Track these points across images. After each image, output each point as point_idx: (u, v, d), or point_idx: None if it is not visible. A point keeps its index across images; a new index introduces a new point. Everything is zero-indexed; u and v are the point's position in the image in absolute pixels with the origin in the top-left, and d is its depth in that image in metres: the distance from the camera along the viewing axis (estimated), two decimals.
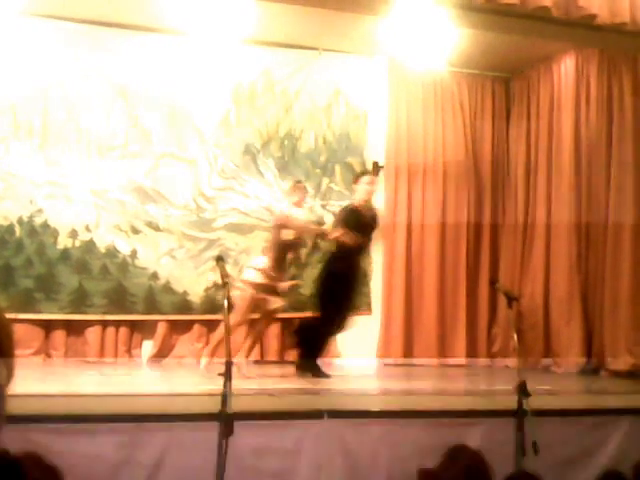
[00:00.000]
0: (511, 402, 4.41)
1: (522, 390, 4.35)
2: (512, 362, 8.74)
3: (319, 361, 7.27)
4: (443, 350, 9.17)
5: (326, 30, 8.39)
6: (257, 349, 8.68)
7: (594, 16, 8.08)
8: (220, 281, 4.23)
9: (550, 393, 6.14)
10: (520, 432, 4.31)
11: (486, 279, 9.33)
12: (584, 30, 8.34)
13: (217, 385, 3.85)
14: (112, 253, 8.29)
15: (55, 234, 8.12)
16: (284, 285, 7.20)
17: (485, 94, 9.74)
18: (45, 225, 8.09)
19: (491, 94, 9.76)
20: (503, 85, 9.84)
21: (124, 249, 8.34)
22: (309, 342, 7.33)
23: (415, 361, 8.98)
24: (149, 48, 8.43)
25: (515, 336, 5.91)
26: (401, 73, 8.92)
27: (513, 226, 9.40)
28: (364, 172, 8.04)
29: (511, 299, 4.96)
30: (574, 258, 8.55)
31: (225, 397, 3.78)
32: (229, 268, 6.90)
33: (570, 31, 8.39)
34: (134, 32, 8.34)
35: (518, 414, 4.34)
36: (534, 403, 4.34)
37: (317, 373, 7.07)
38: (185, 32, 7.49)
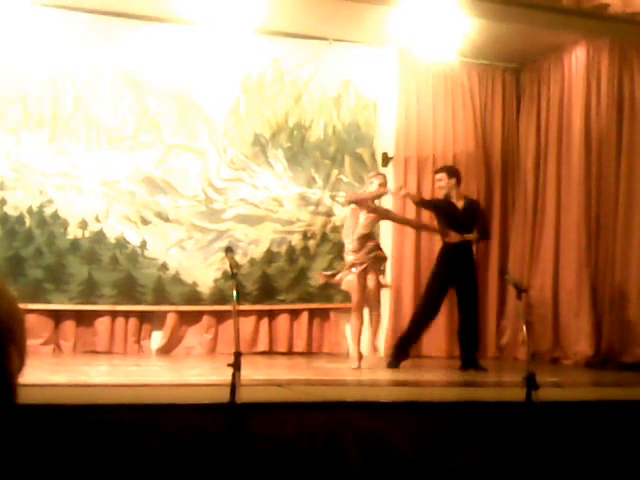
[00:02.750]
0: (520, 394, 4.40)
1: (531, 382, 4.34)
2: (521, 354, 8.75)
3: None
4: (452, 342, 9.16)
5: (336, 20, 8.37)
6: (267, 340, 8.72)
7: (606, 6, 8.07)
8: (229, 272, 4.22)
9: (559, 385, 6.14)
10: (528, 423, 4.31)
11: (495, 270, 9.32)
12: (595, 20, 8.32)
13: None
14: (122, 244, 8.31)
15: (65, 224, 8.14)
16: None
17: (495, 84, 9.71)
18: (55, 215, 8.11)
19: (501, 84, 9.73)
20: (513, 75, 9.80)
21: (134, 240, 8.35)
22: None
23: (424, 353, 8.97)
24: (158, 38, 8.42)
25: (524, 328, 5.89)
26: (411, 63, 8.90)
27: (522, 217, 9.38)
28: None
29: (520, 290, 4.93)
30: (583, 250, 8.52)
31: (234, 388, 3.79)
32: (238, 259, 6.95)
33: (581, 21, 8.37)
34: (143, 22, 8.34)
35: (527, 406, 4.34)
36: (543, 395, 4.34)
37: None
38: (194, 22, 7.49)
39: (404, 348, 7.55)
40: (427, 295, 7.68)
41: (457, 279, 7.54)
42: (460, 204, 7.66)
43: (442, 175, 7.75)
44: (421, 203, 8.17)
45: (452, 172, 7.78)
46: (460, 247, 7.55)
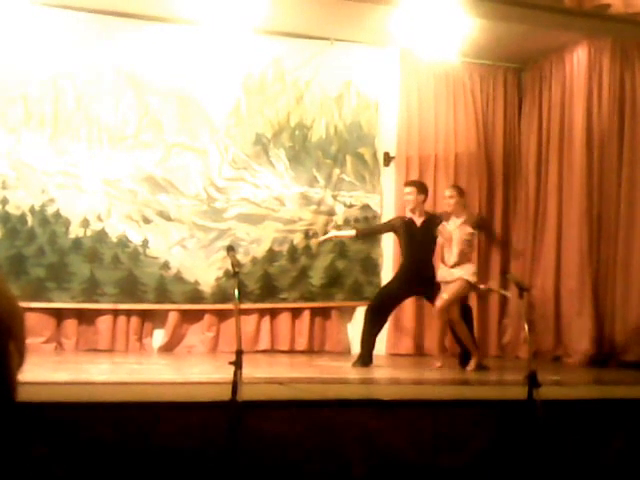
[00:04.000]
0: (521, 392, 4.41)
1: (532, 380, 4.35)
2: (523, 353, 8.75)
3: None
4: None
5: (338, 20, 8.38)
6: (268, 338, 8.72)
7: (607, 6, 8.07)
8: (231, 271, 4.23)
9: (560, 384, 6.15)
10: (530, 422, 4.32)
11: (497, 269, 9.31)
12: (597, 20, 8.33)
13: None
14: (123, 242, 8.32)
15: (67, 223, 8.15)
16: None
17: (497, 85, 9.71)
18: (57, 214, 8.12)
19: (503, 85, 9.73)
20: (515, 76, 9.80)
21: (135, 239, 8.36)
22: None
23: (426, 351, 8.97)
24: (159, 37, 8.43)
25: (526, 327, 5.89)
26: (413, 63, 8.90)
27: (524, 216, 9.39)
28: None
29: (522, 289, 4.93)
30: (585, 249, 8.53)
31: (235, 385, 3.80)
32: (240, 258, 6.96)
33: (582, 21, 8.37)
34: (144, 22, 8.35)
35: (528, 404, 4.34)
36: (544, 393, 4.35)
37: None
38: (196, 21, 7.50)
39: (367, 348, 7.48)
40: (380, 298, 7.70)
41: (418, 292, 7.79)
42: (420, 221, 7.62)
43: (412, 189, 7.71)
44: (372, 231, 8.67)
45: (422, 189, 7.78)
46: (420, 263, 7.54)
